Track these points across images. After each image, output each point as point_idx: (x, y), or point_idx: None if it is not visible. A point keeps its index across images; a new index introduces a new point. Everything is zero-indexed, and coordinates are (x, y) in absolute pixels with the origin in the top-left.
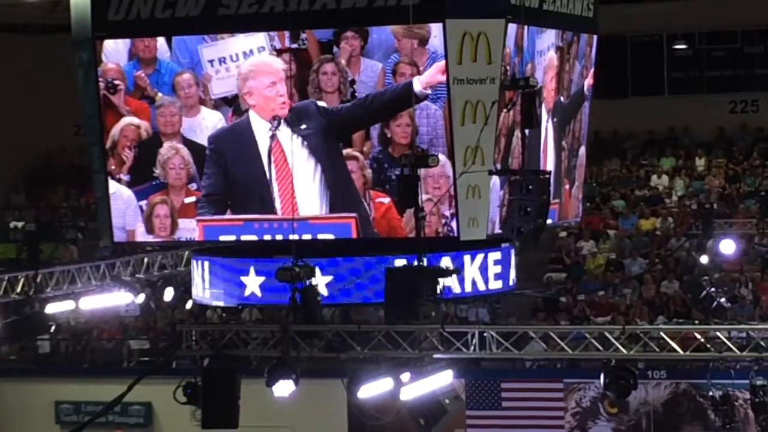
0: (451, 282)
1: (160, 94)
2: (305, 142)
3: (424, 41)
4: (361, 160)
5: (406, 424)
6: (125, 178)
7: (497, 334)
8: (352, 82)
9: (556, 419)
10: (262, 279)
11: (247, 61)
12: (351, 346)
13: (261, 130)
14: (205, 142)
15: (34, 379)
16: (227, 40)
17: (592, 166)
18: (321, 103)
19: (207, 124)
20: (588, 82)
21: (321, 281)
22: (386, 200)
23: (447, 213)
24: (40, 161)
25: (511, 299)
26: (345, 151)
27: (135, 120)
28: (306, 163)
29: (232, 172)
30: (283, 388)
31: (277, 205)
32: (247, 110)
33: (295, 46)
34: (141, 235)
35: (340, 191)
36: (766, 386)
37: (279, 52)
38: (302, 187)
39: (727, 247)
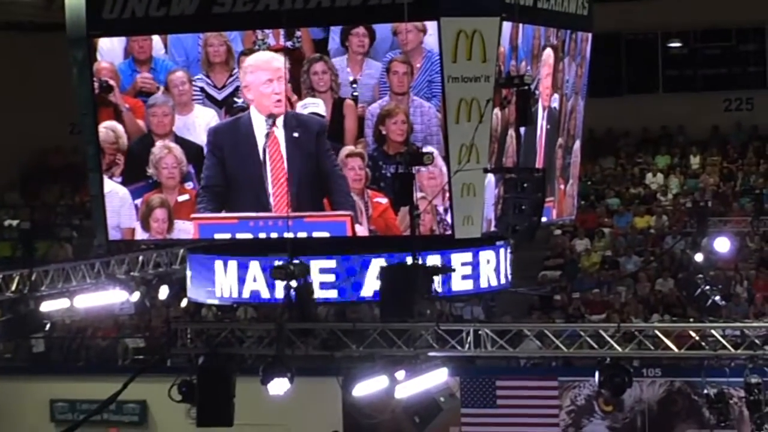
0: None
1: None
2: (296, 142)
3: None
4: (365, 158)
5: (400, 422)
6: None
7: (492, 332)
8: (354, 81)
9: (551, 417)
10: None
11: (251, 56)
12: (346, 344)
13: (260, 126)
14: (198, 141)
15: (29, 378)
16: None
17: (587, 164)
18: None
19: (200, 122)
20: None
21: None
22: (384, 200)
23: (441, 209)
24: (35, 159)
25: (506, 297)
26: (348, 149)
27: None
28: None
29: (229, 166)
30: (278, 386)
31: (271, 202)
32: (240, 107)
33: (289, 44)
34: (136, 234)
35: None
36: (761, 384)
37: (274, 51)
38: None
39: (722, 245)
